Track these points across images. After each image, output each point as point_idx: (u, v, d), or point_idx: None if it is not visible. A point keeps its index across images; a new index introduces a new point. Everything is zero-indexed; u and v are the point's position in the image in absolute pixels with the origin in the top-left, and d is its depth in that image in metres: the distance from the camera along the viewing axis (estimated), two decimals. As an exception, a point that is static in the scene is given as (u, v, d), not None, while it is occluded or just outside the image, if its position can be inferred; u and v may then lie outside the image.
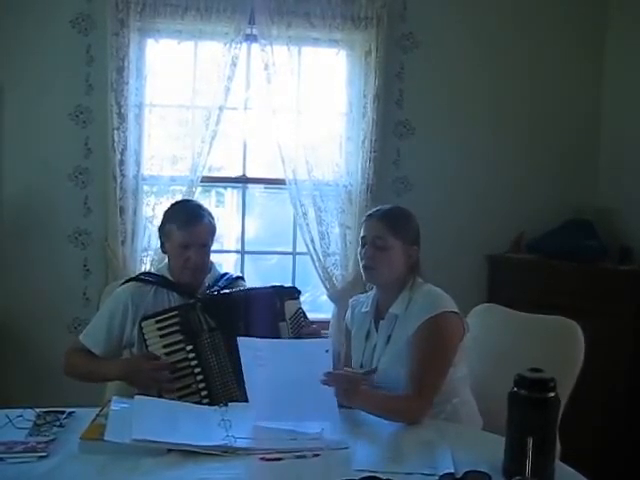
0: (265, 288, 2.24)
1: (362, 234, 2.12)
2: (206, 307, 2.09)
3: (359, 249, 2.12)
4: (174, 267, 2.22)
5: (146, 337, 2.04)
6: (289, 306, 2.19)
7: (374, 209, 2.16)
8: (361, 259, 2.10)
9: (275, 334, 2.10)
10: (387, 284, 2.10)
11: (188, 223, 2.17)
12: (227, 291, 2.22)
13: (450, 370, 1.98)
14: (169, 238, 2.21)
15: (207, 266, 2.26)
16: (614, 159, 3.66)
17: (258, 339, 1.78)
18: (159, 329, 2.05)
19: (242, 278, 2.41)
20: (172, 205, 2.35)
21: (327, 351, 1.71)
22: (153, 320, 2.06)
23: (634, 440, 3.12)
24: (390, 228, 2.06)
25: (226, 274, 2.35)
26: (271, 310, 2.15)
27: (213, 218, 2.28)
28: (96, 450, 1.59)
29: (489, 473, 1.46)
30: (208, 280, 2.28)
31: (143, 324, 2.06)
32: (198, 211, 2.24)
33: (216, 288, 2.24)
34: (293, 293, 2.24)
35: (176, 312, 2.08)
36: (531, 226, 3.63)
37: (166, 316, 2.07)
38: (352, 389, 1.74)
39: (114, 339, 2.18)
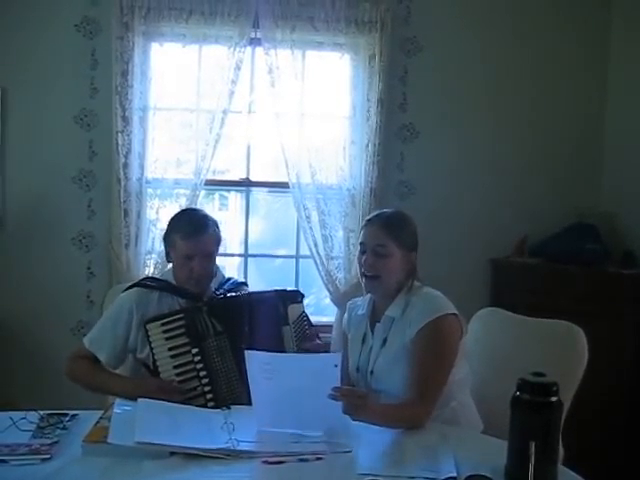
0: (268, 292, 2.23)
1: (361, 240, 2.09)
2: (212, 311, 2.08)
3: (358, 255, 2.10)
4: (179, 277, 2.20)
5: (151, 339, 2.03)
6: (293, 310, 2.18)
7: (374, 214, 2.12)
8: (360, 266, 2.07)
9: (279, 338, 2.10)
10: (386, 292, 2.08)
11: (192, 234, 2.14)
12: (233, 294, 2.20)
13: (449, 372, 1.98)
14: (173, 248, 2.18)
15: (212, 275, 2.23)
16: (617, 163, 3.66)
17: (266, 353, 1.75)
18: (164, 332, 2.04)
19: (246, 284, 2.38)
20: (177, 214, 2.30)
21: (336, 366, 1.69)
22: (159, 322, 2.04)
23: (635, 443, 3.12)
24: (391, 235, 2.03)
25: (230, 279, 2.34)
26: (274, 314, 2.14)
27: (218, 227, 2.24)
28: (99, 453, 1.60)
29: (491, 477, 1.46)
30: (214, 284, 2.26)
31: (148, 326, 2.04)
32: (203, 221, 2.19)
33: (222, 291, 2.22)
34: (296, 297, 2.23)
35: (182, 315, 2.06)
36: (534, 230, 3.63)
37: (171, 319, 2.05)
38: (360, 404, 1.72)
39: (119, 345, 2.15)
